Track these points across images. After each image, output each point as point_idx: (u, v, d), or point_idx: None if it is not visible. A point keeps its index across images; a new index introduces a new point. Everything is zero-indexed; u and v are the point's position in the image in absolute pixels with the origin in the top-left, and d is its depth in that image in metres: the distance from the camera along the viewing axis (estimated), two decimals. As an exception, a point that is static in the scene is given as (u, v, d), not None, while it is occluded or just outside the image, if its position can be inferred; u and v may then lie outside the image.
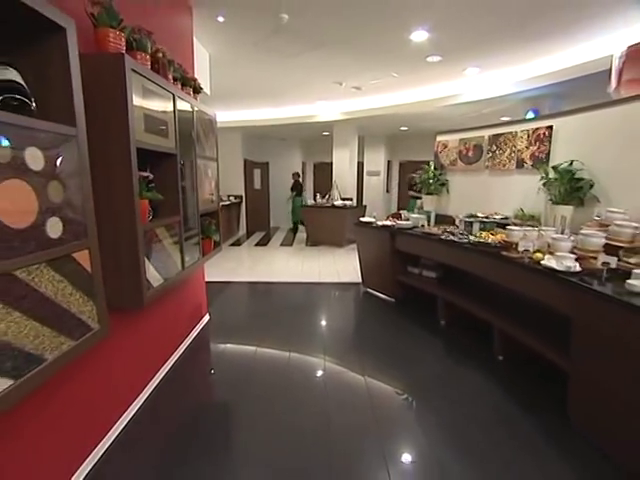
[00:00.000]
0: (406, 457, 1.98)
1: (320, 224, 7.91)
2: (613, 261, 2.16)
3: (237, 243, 8.46)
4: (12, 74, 1.15)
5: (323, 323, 4.04)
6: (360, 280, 5.06)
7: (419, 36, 3.98)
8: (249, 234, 9.66)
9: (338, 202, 7.85)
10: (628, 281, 1.92)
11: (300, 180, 9.76)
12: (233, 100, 7.14)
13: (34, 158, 1.19)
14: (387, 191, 10.89)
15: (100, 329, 1.56)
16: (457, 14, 3.50)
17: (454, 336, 3.51)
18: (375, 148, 10.09)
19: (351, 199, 8.27)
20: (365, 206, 8.49)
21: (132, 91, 1.76)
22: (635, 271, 1.98)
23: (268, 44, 4.15)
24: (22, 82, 1.18)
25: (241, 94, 6.71)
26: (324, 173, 10.83)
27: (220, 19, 3.57)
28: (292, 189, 9.60)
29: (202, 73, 3.90)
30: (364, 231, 4.78)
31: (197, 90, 2.93)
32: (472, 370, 2.87)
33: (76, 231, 1.40)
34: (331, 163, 8.87)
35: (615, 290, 1.93)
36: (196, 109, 2.69)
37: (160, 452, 2.00)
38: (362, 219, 4.96)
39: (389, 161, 10.78)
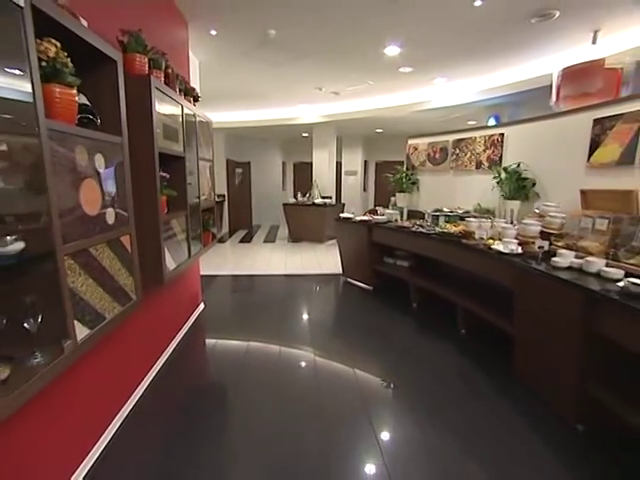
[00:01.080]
0: (386, 409, 2.44)
1: (301, 221, 8.32)
2: (546, 244, 2.69)
3: (221, 240, 8.74)
4: (83, 98, 1.51)
5: (308, 309, 4.47)
6: (341, 271, 5.51)
7: (392, 51, 4.46)
8: (232, 232, 9.95)
9: (318, 200, 8.28)
10: (553, 259, 2.44)
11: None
12: (218, 102, 7.43)
13: (99, 162, 1.56)
14: (364, 190, 11.42)
15: (137, 299, 1.92)
16: (425, 33, 3.99)
17: (424, 316, 4.01)
18: (352, 149, 10.59)
19: (330, 197, 8.72)
20: (344, 204, 8.96)
21: (155, 105, 2.12)
22: (559, 251, 2.51)
23: (256, 54, 4.53)
24: (89, 104, 1.54)
25: (226, 97, 7.02)
26: (304, 172, 11.23)
27: (213, 32, 3.92)
28: None
29: (192, 79, 4.23)
30: (344, 226, 5.24)
31: (196, 99, 3.29)
32: (439, 342, 3.37)
33: (122, 219, 1.77)
34: (310, 163, 9.28)
35: (545, 266, 2.45)
36: (198, 116, 3.06)
37: (171, 421, 2.37)
38: (342, 215, 5.41)
39: (366, 161, 11.31)
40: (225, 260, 6.91)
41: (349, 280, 5.35)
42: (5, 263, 1.12)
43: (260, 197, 11.03)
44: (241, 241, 8.76)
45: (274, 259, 6.88)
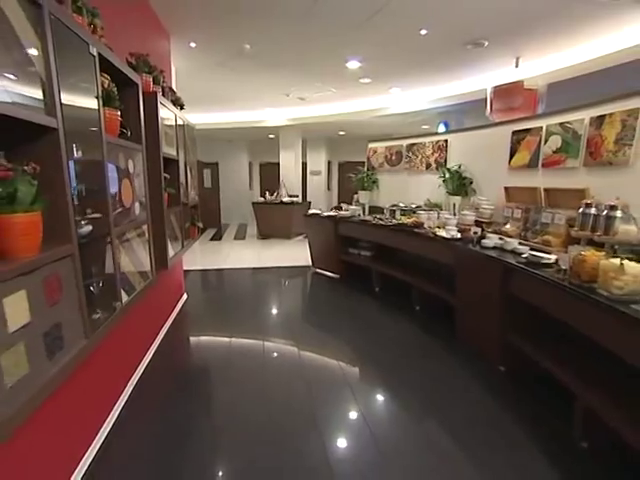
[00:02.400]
0: (358, 371, 3.00)
1: (270, 219, 8.76)
2: (479, 230, 3.36)
3: (191, 238, 8.97)
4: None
5: (283, 296, 4.96)
6: (310, 263, 6.03)
7: (353, 65, 5.05)
8: (201, 230, 10.16)
9: (286, 199, 8.76)
10: (483, 241, 3.11)
11: None
12: (188, 105, 7.68)
13: (130, 165, 1.98)
14: (328, 189, 12.02)
15: (153, 278, 2.34)
16: (381, 52, 4.60)
17: (386, 297, 4.62)
18: (317, 150, 11.15)
19: (297, 196, 9.22)
20: (310, 202, 9.50)
21: (160, 117, 2.53)
22: (488, 235, 3.19)
23: (230, 64, 4.94)
24: (121, 119, 1.96)
25: (197, 100, 7.30)
26: (270, 172, 11.64)
27: (192, 45, 4.30)
28: None
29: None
30: (312, 221, 5.76)
31: (182, 107, 3.67)
32: (398, 317, 3.98)
33: (143, 212, 2.19)
34: (277, 163, 9.73)
35: (477, 247, 3.11)
36: (186, 123, 3.46)
37: (167, 395, 2.79)
38: (310, 212, 5.94)
39: (329, 161, 11.92)
40: (199, 257, 7.22)
41: (318, 270, 5.89)
42: (80, 242, 1.54)
43: (228, 196, 11.32)
44: (212, 239, 9.05)
45: (247, 254, 7.28)
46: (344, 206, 5.72)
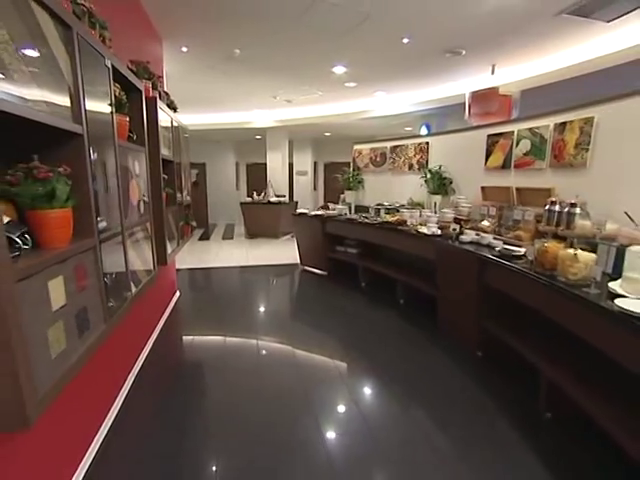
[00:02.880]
0: (347, 359, 3.20)
1: (258, 218, 8.90)
2: (458, 227, 3.61)
3: (179, 238, 9.04)
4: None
5: (273, 292, 5.13)
6: (298, 261, 6.22)
7: (339, 70, 5.26)
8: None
9: (273, 199, 8.92)
10: (461, 236, 3.36)
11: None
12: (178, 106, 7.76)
13: (136, 167, 2.13)
14: (314, 189, 12.22)
15: (156, 271, 2.50)
16: (366, 58, 4.83)
17: (371, 292, 4.84)
18: (303, 151, 11.33)
19: (284, 196, 9.39)
20: (297, 202, 9.67)
21: (159, 120, 2.68)
22: (466, 231, 3.44)
23: (220, 67, 5.09)
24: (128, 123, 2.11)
25: (185, 101, 7.36)
26: (257, 173, 11.76)
27: (184, 49, 4.44)
28: None
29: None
30: (300, 220, 5.95)
31: (175, 109, 3.81)
32: (382, 310, 4.21)
33: (146, 210, 2.34)
34: (263, 164, 9.87)
35: (456, 242, 3.35)
36: (180, 125, 3.60)
37: (167, 387, 2.95)
38: (299, 211, 6.12)
39: (315, 162, 12.12)
40: (188, 256, 7.30)
41: (306, 268, 6.07)
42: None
43: (215, 196, 11.40)
44: (200, 239, 9.13)
45: (236, 253, 7.42)
46: (331, 205, 5.92)
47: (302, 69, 5.29)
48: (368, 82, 5.97)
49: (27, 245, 1.12)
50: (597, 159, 2.61)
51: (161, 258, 2.77)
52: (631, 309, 1.55)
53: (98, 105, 1.60)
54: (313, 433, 2.16)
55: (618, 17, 3.29)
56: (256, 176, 11.82)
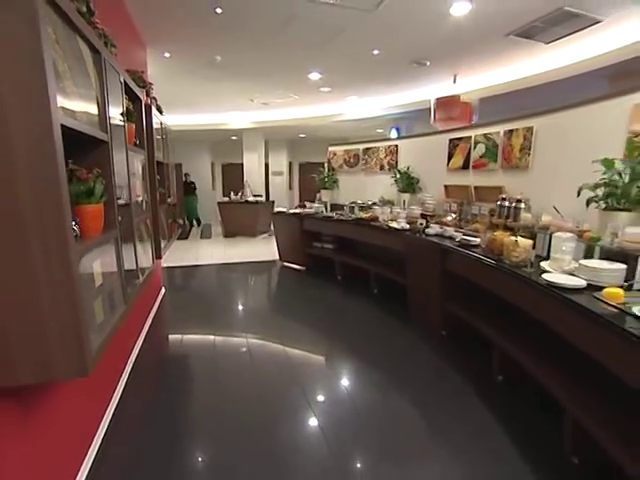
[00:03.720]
0: (326, 344, 3.54)
1: (235, 218, 9.10)
2: (424, 222, 4.03)
3: (156, 238, 9.09)
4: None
5: (255, 287, 5.40)
6: (278, 257, 6.50)
7: (314, 76, 5.60)
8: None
9: (251, 198, 9.14)
10: (427, 230, 3.77)
11: (189, 180, 10.64)
12: (151, 107, 7.86)
13: (140, 168, 2.38)
14: (290, 188, 12.51)
15: (154, 265, 2.74)
16: (340, 66, 5.19)
17: (347, 284, 5.21)
18: (279, 151, 11.60)
19: (261, 195, 9.63)
20: (273, 201, 9.93)
21: (154, 125, 2.92)
22: (431, 225, 3.85)
23: (201, 72, 5.30)
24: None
25: (164, 103, 7.50)
26: (232, 173, 11.92)
27: (166, 55, 4.63)
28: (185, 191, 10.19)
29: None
30: (279, 218, 6.24)
31: (161, 112, 4.02)
32: (358, 300, 4.57)
33: (147, 207, 2.58)
34: (239, 164, 10.07)
35: (422, 235, 3.76)
36: (167, 128, 3.82)
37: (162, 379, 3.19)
38: (277, 209, 6.41)
39: (290, 162, 12.41)
40: (170, 254, 7.41)
41: (285, 264, 6.37)
42: (111, 228, 1.94)
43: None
44: (179, 238, 9.18)
45: (216, 251, 7.60)
46: (308, 204, 6.24)
47: (280, 75, 5.59)
48: (341, 87, 6.34)
49: (76, 233, 1.38)
50: (536, 162, 3.08)
51: (157, 252, 3.00)
52: (554, 280, 1.98)
53: (115, 115, 1.86)
54: (302, 403, 2.49)
55: (555, 40, 3.80)
56: (232, 176, 11.97)
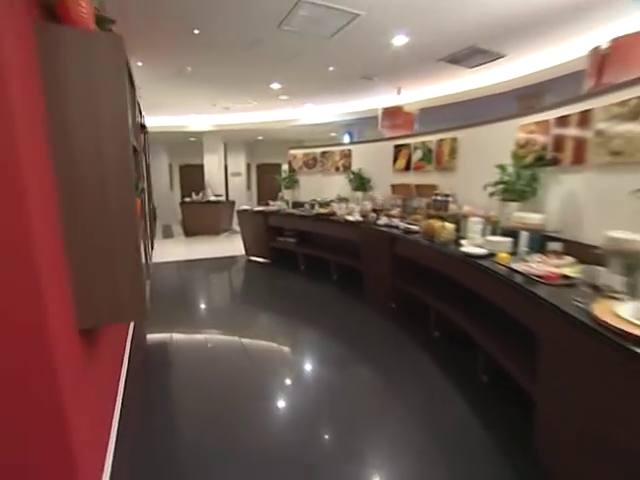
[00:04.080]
0: (292, 325, 4.16)
1: (198, 217, 9.39)
2: (375, 215, 4.77)
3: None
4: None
5: (223, 279, 5.87)
6: (244, 252, 6.98)
7: (275, 86, 6.18)
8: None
9: (212, 198, 9.48)
10: (377, 221, 4.51)
11: None
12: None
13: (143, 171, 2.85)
14: (248, 188, 12.92)
15: (150, 256, 3.19)
16: (298, 78, 5.82)
17: (309, 273, 5.85)
18: (237, 153, 11.97)
19: (221, 195, 9.99)
20: (234, 201, 10.33)
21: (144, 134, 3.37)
22: (381, 218, 4.60)
23: (170, 80, 5.67)
24: (135, 138, 2.82)
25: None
26: (190, 174, 12.09)
27: (139, 64, 4.98)
28: None
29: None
30: (245, 216, 6.73)
31: (141, 114, 4.40)
32: (320, 286, 5.23)
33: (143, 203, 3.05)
34: (197, 165, 10.35)
35: (374, 226, 4.49)
36: (147, 130, 4.23)
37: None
38: (243, 207, 6.89)
39: (248, 164, 12.82)
40: (132, 253, 7.60)
41: (251, 258, 6.88)
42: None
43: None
44: (139, 238, 9.30)
45: (181, 249, 7.90)
46: (271, 202, 6.80)
47: (244, 84, 6.11)
48: (299, 96, 6.97)
49: (128, 218, 1.89)
50: (460, 165, 3.92)
51: (152, 245, 3.44)
52: (468, 251, 2.76)
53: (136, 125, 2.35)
54: (279, 372, 3.09)
55: (475, 66, 4.73)
56: (190, 177, 12.14)
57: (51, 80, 1.38)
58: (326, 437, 2.21)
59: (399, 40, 4.15)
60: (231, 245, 7.93)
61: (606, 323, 1.44)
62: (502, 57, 4.44)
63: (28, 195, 1.15)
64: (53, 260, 1.34)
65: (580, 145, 2.49)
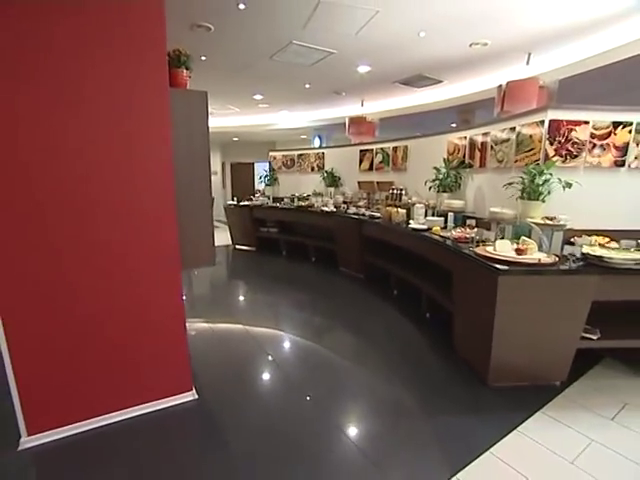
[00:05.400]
0: (278, 299, 5.23)
1: (180, 212, 10.12)
2: (346, 206, 5.92)
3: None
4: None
5: (217, 265, 6.81)
6: (230, 242, 7.91)
7: (258, 97, 7.16)
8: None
9: (193, 195, 10.24)
10: (347, 211, 5.67)
11: None
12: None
13: (178, 170, 3.81)
14: (223, 187, 13.70)
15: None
16: (278, 91, 6.84)
17: (290, 257, 6.91)
18: (213, 153, 12.72)
19: (202, 192, 10.75)
20: (214, 197, 11.12)
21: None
22: (351, 208, 5.76)
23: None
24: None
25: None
26: (167, 172, 12.66)
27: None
28: None
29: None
30: (232, 209, 7.67)
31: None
32: (299, 266, 6.32)
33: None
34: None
35: (345, 214, 5.64)
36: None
37: None
38: (229, 202, 7.82)
39: (223, 163, 13.61)
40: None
41: (237, 247, 7.83)
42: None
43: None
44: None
45: (168, 241, 8.67)
46: (254, 197, 7.78)
47: (230, 95, 7.05)
48: (277, 104, 7.99)
49: (194, 202, 2.89)
50: (410, 166, 5.16)
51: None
52: (414, 227, 3.96)
53: (182, 141, 3.32)
54: (275, 320, 4.15)
55: (423, 87, 6.00)
56: (167, 175, 12.70)
57: (173, 112, 2.37)
58: (320, 352, 3.32)
59: (363, 69, 5.31)
60: (217, 236, 8.78)
61: (481, 255, 2.65)
62: (440, 82, 5.74)
63: (169, 191, 2.18)
64: (174, 224, 2.35)
65: (483, 155, 3.76)
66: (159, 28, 2.05)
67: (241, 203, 7.59)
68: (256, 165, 13.75)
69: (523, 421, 2.27)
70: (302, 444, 2.10)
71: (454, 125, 7.64)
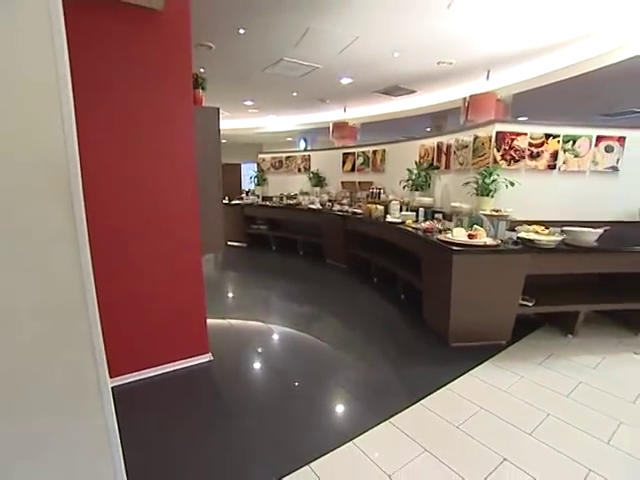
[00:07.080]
0: (268, 292, 5.80)
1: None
2: (331, 204, 6.52)
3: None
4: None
5: (209, 258, 7.31)
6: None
7: (248, 103, 7.70)
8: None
9: (184, 194, 10.66)
10: (333, 208, 6.27)
11: None
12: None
13: (184, 171, 4.33)
14: (211, 186, 14.10)
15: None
16: (267, 98, 7.40)
17: (280, 252, 7.46)
18: (201, 154, 13.12)
19: (191, 192, 11.18)
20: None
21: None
22: (335, 205, 6.37)
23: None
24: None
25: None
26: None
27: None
28: None
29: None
30: (224, 208, 8.15)
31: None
32: (289, 260, 6.88)
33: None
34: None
35: (330, 211, 6.24)
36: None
37: None
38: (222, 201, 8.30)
39: (211, 163, 14.01)
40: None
41: (229, 243, 8.32)
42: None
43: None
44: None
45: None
46: (244, 196, 8.30)
47: (223, 101, 7.56)
48: (266, 109, 8.54)
49: (205, 199, 3.44)
50: (388, 168, 5.80)
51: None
52: (390, 220, 4.60)
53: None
54: (268, 302, 4.72)
55: (399, 95, 6.67)
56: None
57: (196, 124, 2.91)
58: (310, 331, 3.90)
59: (345, 80, 5.94)
60: (207, 234, 9.25)
61: (442, 240, 3.30)
62: (414, 92, 6.44)
63: (194, 192, 2.73)
64: (197, 219, 2.89)
65: (448, 158, 4.43)
66: (188, 61, 2.61)
67: (232, 202, 8.10)
68: (243, 166, 14.22)
69: (473, 367, 2.93)
70: (295, 391, 2.69)
71: (429, 130, 8.37)
